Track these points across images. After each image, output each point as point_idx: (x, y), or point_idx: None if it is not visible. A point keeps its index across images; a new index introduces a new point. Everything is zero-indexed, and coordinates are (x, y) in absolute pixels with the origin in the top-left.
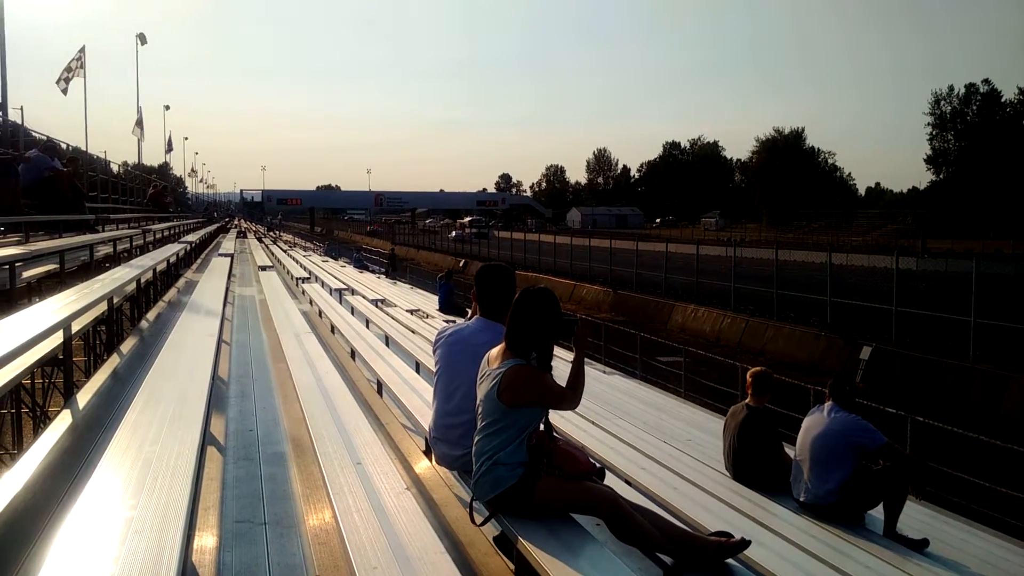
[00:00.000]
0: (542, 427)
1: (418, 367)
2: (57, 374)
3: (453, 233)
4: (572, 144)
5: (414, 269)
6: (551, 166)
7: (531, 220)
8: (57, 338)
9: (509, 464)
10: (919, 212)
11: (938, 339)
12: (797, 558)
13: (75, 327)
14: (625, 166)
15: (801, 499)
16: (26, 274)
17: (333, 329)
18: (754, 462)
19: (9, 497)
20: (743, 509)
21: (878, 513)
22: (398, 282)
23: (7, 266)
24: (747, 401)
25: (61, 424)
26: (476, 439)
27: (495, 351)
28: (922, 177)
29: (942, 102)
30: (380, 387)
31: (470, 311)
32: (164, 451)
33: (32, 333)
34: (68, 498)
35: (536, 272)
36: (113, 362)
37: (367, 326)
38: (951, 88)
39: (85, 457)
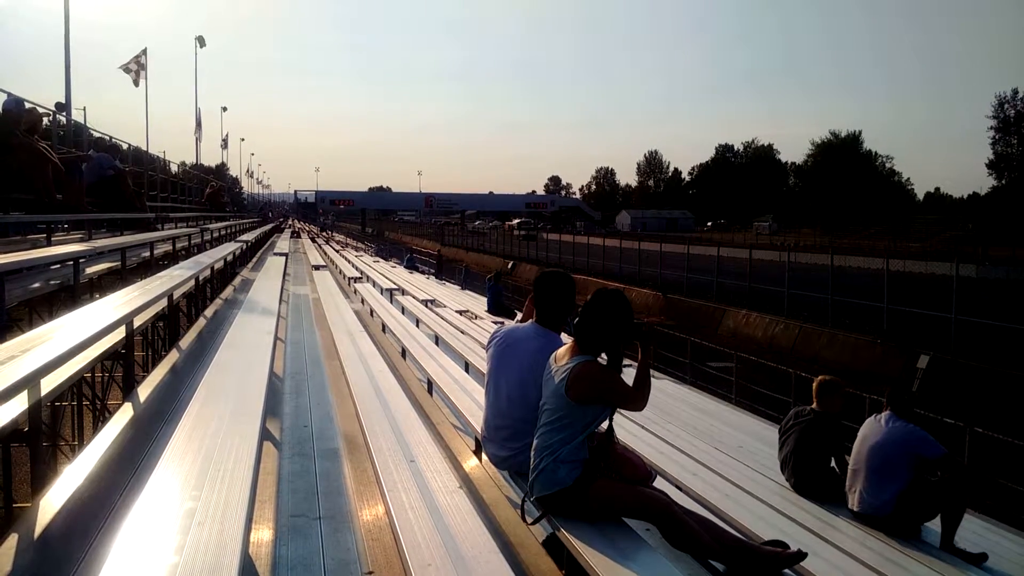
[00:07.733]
0: (603, 428)
1: (467, 367)
2: (117, 368)
3: (516, 221)
4: (623, 146)
5: (461, 270)
6: (601, 168)
7: (580, 222)
8: (119, 333)
9: (569, 463)
10: (980, 218)
11: (999, 349)
12: (852, 569)
13: (136, 323)
14: (676, 169)
15: (856, 509)
16: (89, 270)
17: (384, 328)
18: (811, 469)
19: (74, 487)
20: (796, 518)
21: (935, 525)
22: (447, 283)
23: (71, 262)
24: (813, 406)
25: (123, 417)
26: (538, 434)
27: (562, 350)
28: (984, 182)
29: (1006, 105)
30: (431, 386)
31: (520, 313)
32: (224, 445)
33: (97, 328)
34: (131, 489)
35: (584, 275)
36: (172, 358)
37: (417, 326)
38: (1015, 91)
39: (147, 449)
